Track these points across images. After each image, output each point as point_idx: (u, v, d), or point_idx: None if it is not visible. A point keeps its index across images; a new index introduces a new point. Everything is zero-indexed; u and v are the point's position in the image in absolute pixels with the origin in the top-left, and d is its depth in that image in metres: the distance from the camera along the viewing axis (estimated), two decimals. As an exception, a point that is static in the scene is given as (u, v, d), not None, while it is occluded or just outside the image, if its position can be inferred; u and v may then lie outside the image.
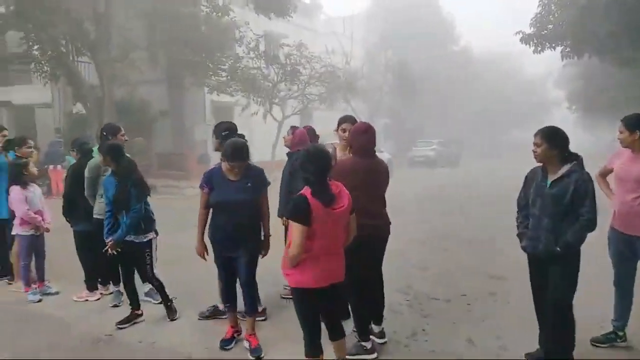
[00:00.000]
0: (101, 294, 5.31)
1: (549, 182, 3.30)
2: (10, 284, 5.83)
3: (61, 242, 5.73)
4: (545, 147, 3.25)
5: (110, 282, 5.16)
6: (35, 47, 15.34)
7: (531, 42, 15.99)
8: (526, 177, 3.54)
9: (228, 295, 4.04)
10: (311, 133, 5.30)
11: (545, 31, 15.79)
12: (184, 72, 18.11)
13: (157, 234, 4.63)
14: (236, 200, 3.74)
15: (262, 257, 4.06)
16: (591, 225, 3.18)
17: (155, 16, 16.40)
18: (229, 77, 18.56)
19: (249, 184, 3.82)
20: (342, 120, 4.42)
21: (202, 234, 3.98)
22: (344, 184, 3.37)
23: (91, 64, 16.70)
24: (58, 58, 15.35)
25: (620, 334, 3.85)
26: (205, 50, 17.27)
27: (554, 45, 16.17)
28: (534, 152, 3.32)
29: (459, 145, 31.98)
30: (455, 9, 37.54)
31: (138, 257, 4.49)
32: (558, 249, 3.20)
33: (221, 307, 4.52)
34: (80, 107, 17.09)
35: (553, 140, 3.25)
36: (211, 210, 3.89)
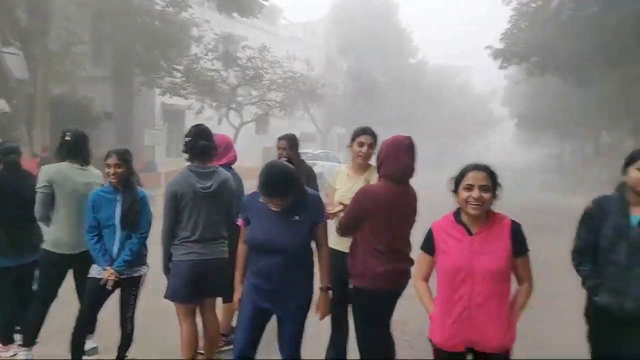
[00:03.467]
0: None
1: (637, 219, 2.48)
2: None
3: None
4: None
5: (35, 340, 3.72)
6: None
7: (500, 57, 16.07)
8: (589, 211, 2.65)
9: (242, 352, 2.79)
10: (292, 141, 4.29)
11: (515, 47, 15.86)
12: (133, 70, 16.42)
13: (147, 267, 3.45)
14: (276, 240, 2.66)
15: (320, 318, 2.93)
16: None
17: (103, 7, 14.68)
18: (184, 79, 17.07)
19: (298, 218, 2.70)
20: (359, 132, 3.41)
21: (242, 275, 2.90)
22: (371, 219, 2.81)
23: (19, 56, 14.48)
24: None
25: None
26: (159, 47, 15.76)
27: (520, 61, 16.38)
28: (634, 179, 2.45)
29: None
30: (413, 22, 37.85)
31: (123, 296, 3.33)
32: None
33: None
34: (4, 105, 14.70)
35: None
36: None
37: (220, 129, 18.43)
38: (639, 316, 2.47)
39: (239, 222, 2.85)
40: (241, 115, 19.90)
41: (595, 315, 2.68)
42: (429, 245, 2.43)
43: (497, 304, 2.29)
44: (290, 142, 4.23)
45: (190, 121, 17.86)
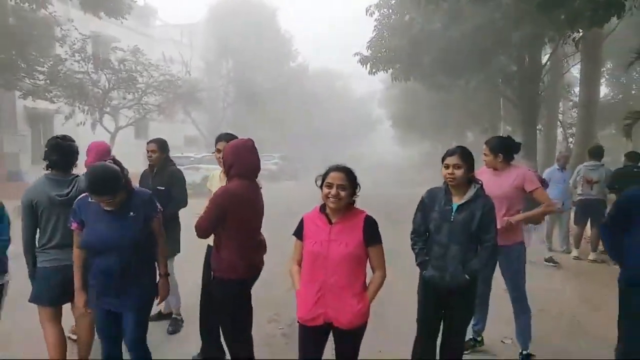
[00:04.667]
0: None
1: (455, 206, 3.10)
2: None
3: None
4: (465, 169, 3.04)
5: None
6: None
7: (368, 64, 17.39)
8: (423, 200, 3.25)
9: None
10: (161, 145, 4.54)
11: (380, 54, 17.30)
12: (-14, 72, 14.91)
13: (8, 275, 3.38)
14: (113, 238, 2.86)
15: (158, 303, 3.23)
16: (495, 250, 3.14)
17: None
18: (48, 81, 15.90)
19: (132, 214, 2.93)
20: (217, 139, 3.80)
21: (81, 280, 3.04)
22: (234, 217, 3.02)
23: None
24: None
25: (479, 339, 4.12)
26: (16, 47, 14.51)
27: (386, 68, 17.88)
28: (451, 174, 3.06)
29: (298, 160, 33.06)
30: (293, 27, 38.94)
31: None
32: (467, 277, 3.04)
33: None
34: None
35: (470, 162, 3.08)
36: None
37: (94, 134, 17.53)
38: (455, 287, 3.05)
39: (73, 226, 2.96)
40: (116, 120, 19.03)
41: (423, 286, 3.23)
42: (299, 232, 2.81)
43: (347, 285, 2.65)
44: (159, 146, 4.51)
45: (59, 126, 16.74)
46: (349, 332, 2.69)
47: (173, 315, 4.59)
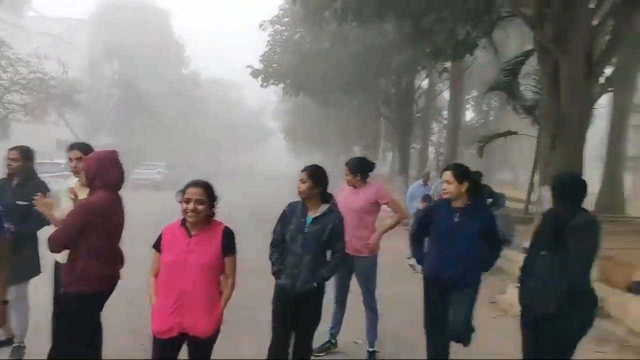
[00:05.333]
0: None
1: (310, 219, 3.35)
2: None
3: None
4: (310, 184, 3.33)
5: None
6: None
7: (259, 77, 17.68)
8: (284, 212, 3.47)
9: None
10: (25, 153, 3.99)
11: (271, 69, 17.68)
12: None
13: None
14: None
15: None
16: (342, 262, 3.48)
17: None
18: None
19: None
20: (70, 148, 3.67)
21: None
22: (96, 229, 2.97)
23: None
24: None
25: (334, 341, 4.46)
26: None
27: (277, 82, 18.31)
28: (299, 187, 3.35)
29: (185, 168, 32.01)
30: (187, 33, 37.83)
31: None
32: (315, 284, 3.29)
33: None
34: None
35: (317, 179, 3.36)
36: None
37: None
38: (304, 294, 3.29)
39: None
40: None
41: (277, 293, 3.40)
42: (157, 244, 2.85)
43: (205, 294, 2.76)
44: (22, 154, 3.99)
45: None
46: (203, 340, 2.80)
47: (16, 343, 4.10)
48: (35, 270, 4.06)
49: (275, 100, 41.55)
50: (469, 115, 34.48)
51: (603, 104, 14.25)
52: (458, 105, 16.69)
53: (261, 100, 47.35)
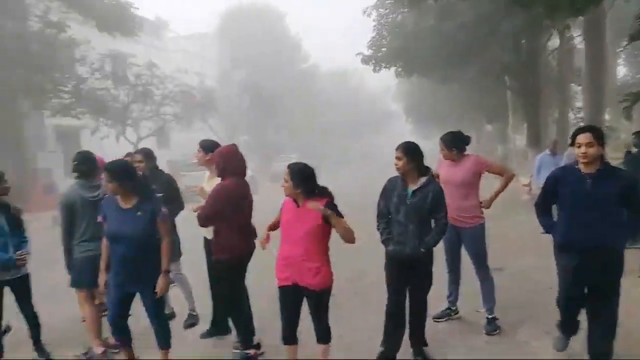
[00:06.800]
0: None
1: (410, 191, 3.60)
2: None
3: None
4: (405, 161, 3.55)
5: None
6: None
7: (370, 63, 17.92)
8: (385, 187, 3.71)
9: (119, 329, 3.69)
10: (146, 155, 4.95)
11: (380, 53, 17.81)
12: (15, 95, 16.22)
13: None
14: (122, 230, 3.46)
15: (156, 296, 3.58)
16: (446, 228, 3.66)
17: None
18: (72, 99, 17.14)
19: (139, 213, 3.50)
20: (203, 146, 4.53)
21: (105, 263, 3.66)
22: (230, 207, 3.66)
23: None
24: None
25: (454, 308, 4.67)
26: (41, 70, 15.75)
27: (388, 65, 18.32)
28: (396, 164, 3.58)
29: (319, 158, 33.80)
30: (302, 30, 39.64)
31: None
32: (422, 250, 3.54)
33: (98, 350, 4.13)
34: None
35: (411, 155, 3.57)
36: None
37: (118, 146, 18.69)
38: (415, 258, 3.55)
39: (100, 219, 3.64)
40: (137, 131, 20.19)
41: (388, 260, 3.72)
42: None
43: (312, 256, 3.26)
44: (144, 156, 4.94)
45: (86, 140, 17.97)
46: (314, 292, 3.30)
47: (189, 312, 4.94)
48: (178, 251, 4.83)
49: (395, 82, 41.39)
50: (621, 71, 29.68)
51: None
52: (598, 61, 13.41)
53: (383, 84, 47.29)
